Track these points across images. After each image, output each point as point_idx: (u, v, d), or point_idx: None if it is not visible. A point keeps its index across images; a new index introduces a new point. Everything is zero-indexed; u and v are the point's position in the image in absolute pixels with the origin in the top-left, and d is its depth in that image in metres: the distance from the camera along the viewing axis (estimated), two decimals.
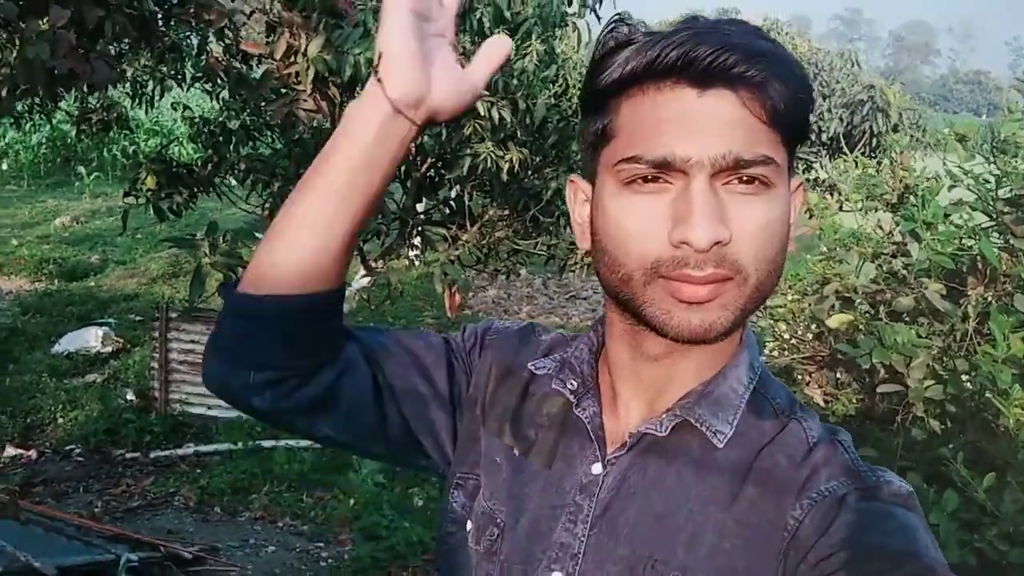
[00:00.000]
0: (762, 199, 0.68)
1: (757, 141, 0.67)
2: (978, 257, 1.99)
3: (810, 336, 2.75)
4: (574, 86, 4.34)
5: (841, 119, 7.52)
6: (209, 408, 6.19)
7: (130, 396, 6.36)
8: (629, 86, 0.69)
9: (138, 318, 8.14)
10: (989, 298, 1.97)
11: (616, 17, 0.72)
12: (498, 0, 4.28)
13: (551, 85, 4.25)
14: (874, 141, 7.20)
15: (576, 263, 5.54)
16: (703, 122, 0.66)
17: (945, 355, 2.03)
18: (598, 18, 5.10)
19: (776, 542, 0.66)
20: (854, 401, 2.74)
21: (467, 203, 5.10)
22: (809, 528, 0.65)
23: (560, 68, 4.34)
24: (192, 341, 6.12)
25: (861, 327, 2.12)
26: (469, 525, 0.83)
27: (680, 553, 0.69)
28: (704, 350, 0.73)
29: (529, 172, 4.84)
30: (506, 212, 5.42)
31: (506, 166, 4.09)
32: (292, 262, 0.76)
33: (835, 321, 2.16)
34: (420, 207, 5.86)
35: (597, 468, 0.76)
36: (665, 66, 0.66)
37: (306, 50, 3.17)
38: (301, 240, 0.77)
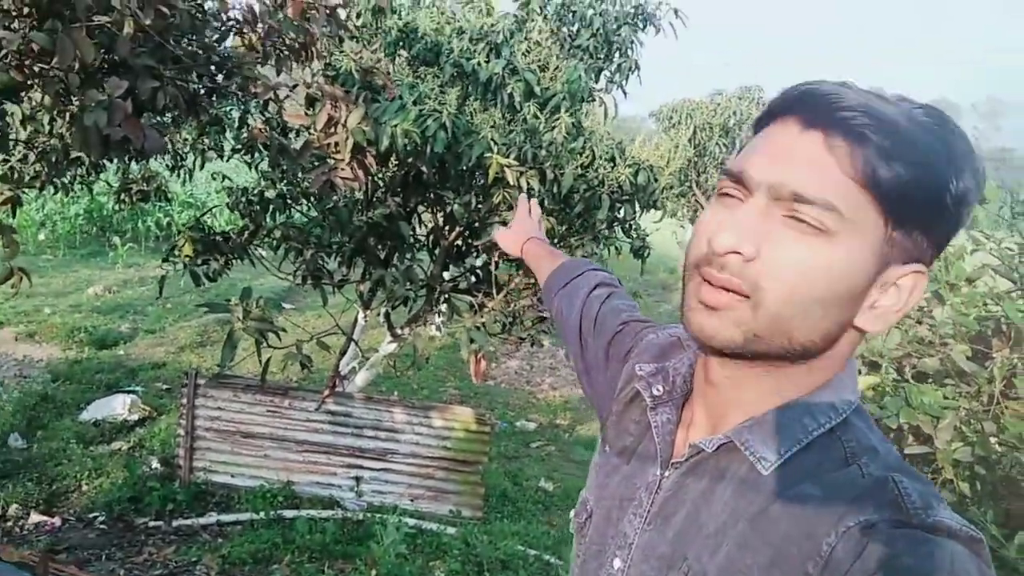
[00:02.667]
0: (812, 242, 0.68)
1: (829, 187, 0.67)
2: (1003, 320, 1.99)
3: None
4: (600, 157, 4.44)
5: None
6: (232, 476, 6.18)
7: (155, 464, 6.36)
8: (765, 119, 0.76)
9: (165, 386, 8.21)
10: (1015, 360, 1.96)
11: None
12: (528, 77, 4.44)
13: (578, 156, 4.36)
14: None
15: None
16: (786, 152, 0.70)
17: (973, 417, 2.01)
18: (624, 93, 5.27)
19: (804, 567, 0.66)
20: None
21: (493, 271, 5.16)
22: (842, 555, 0.64)
23: (587, 140, 4.45)
24: (219, 408, 6.15)
25: (888, 389, 2.11)
26: (572, 513, 0.98)
27: (705, 560, 0.73)
28: (757, 377, 0.75)
29: (556, 241, 4.91)
30: (532, 280, 5.47)
31: None
32: None
33: (862, 384, 2.15)
34: (447, 275, 5.94)
35: (659, 471, 0.83)
36: (786, 101, 0.73)
37: (346, 121, 3.29)
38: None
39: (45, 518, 5.49)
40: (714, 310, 0.71)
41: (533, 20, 5.08)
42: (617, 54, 5.27)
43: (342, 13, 3.26)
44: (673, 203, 11.58)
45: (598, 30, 5.10)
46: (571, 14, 5.18)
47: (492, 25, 4.57)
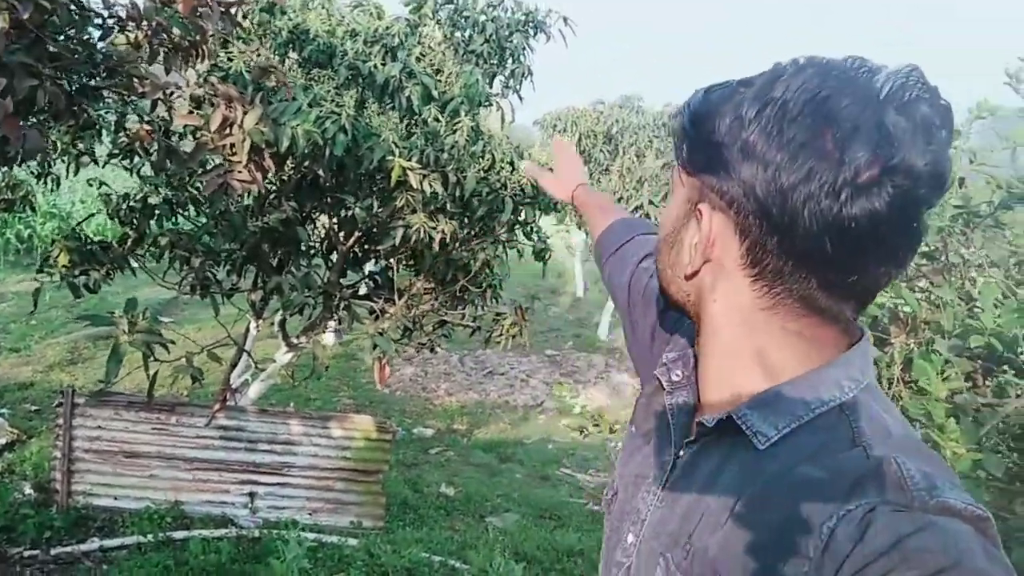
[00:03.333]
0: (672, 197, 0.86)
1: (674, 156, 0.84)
2: (900, 307, 2.15)
3: None
4: (501, 160, 4.48)
5: None
6: (116, 499, 5.82)
7: (28, 490, 5.91)
8: None
9: (35, 408, 7.65)
10: (911, 345, 2.12)
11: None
12: (426, 80, 4.42)
13: (480, 160, 4.38)
14: None
15: (501, 335, 5.57)
16: None
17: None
18: (520, 99, 5.33)
19: (802, 551, 0.65)
20: None
21: (394, 277, 5.11)
22: (843, 539, 0.63)
23: (487, 144, 4.48)
24: (99, 428, 5.78)
25: None
26: (605, 489, 1.00)
27: (706, 537, 0.74)
28: (739, 353, 0.80)
29: (457, 244, 4.91)
30: (432, 285, 5.45)
31: (438, 237, 4.15)
32: None
33: None
34: (345, 281, 5.83)
35: (673, 450, 0.85)
36: None
37: (243, 122, 3.18)
38: None
39: None
40: None
41: (426, 24, 5.07)
42: (510, 60, 5.33)
43: (235, 11, 3.15)
44: (559, 208, 11.80)
45: (491, 36, 5.14)
46: (464, 19, 5.20)
47: (387, 28, 4.53)
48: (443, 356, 12.88)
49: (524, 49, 5.53)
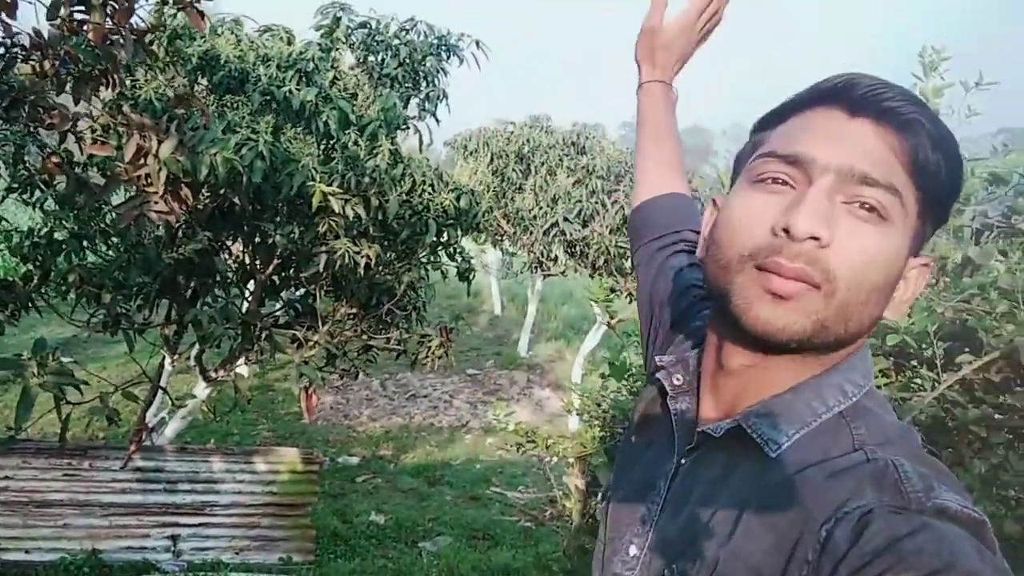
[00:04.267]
0: (876, 228, 0.69)
1: (890, 171, 0.69)
2: None
3: None
4: (422, 183, 4.49)
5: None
6: (27, 552, 5.49)
7: None
8: (791, 111, 0.75)
9: None
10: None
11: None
12: (342, 104, 4.41)
13: (401, 183, 4.38)
14: None
15: (427, 357, 5.56)
16: (843, 138, 0.70)
17: None
18: (437, 121, 5.37)
19: (803, 553, 0.65)
20: None
21: (317, 305, 5.03)
22: (840, 541, 0.63)
23: (407, 167, 4.49)
24: (6, 477, 5.45)
25: None
26: (600, 494, 0.97)
27: (712, 546, 0.72)
28: (780, 366, 0.74)
29: (381, 267, 4.89)
30: (355, 310, 5.39)
31: (363, 261, 4.12)
32: None
33: None
34: (263, 311, 5.70)
35: (675, 458, 0.83)
36: (826, 90, 0.72)
37: (158, 151, 3.09)
38: None
39: None
40: (785, 300, 0.69)
41: (339, 49, 5.05)
42: (424, 83, 5.36)
43: (149, 39, 3.07)
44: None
45: (405, 59, 5.16)
46: (377, 43, 5.20)
47: (301, 53, 4.49)
48: (364, 382, 12.68)
49: (438, 72, 5.57)
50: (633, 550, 0.83)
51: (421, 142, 4.88)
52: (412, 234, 4.55)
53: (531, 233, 10.49)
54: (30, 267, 4.49)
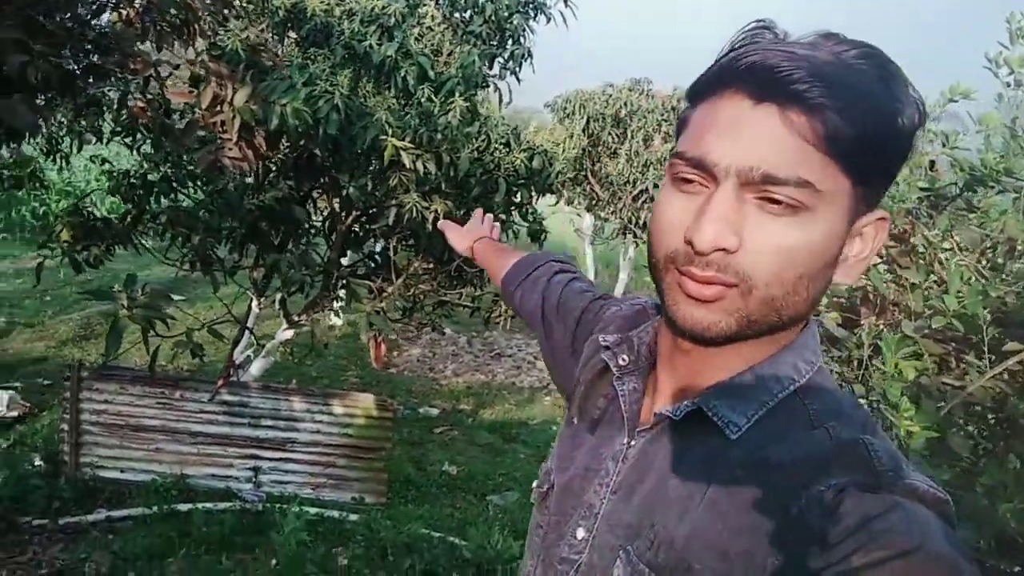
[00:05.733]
0: (790, 220, 0.67)
1: (798, 162, 0.66)
2: (870, 289, 2.16)
3: None
4: (495, 142, 4.50)
5: None
6: (122, 471, 5.95)
7: (38, 461, 6.05)
8: (706, 90, 0.72)
9: (47, 382, 7.80)
10: (881, 326, 2.14)
11: (759, 22, 0.73)
12: (422, 60, 4.45)
13: (474, 140, 4.40)
14: None
15: (500, 316, 5.62)
16: (745, 132, 0.67)
17: (843, 381, 2.17)
18: (518, 80, 5.34)
19: (773, 532, 0.66)
20: None
21: (392, 257, 5.16)
22: (812, 519, 0.63)
23: (483, 125, 4.50)
24: (105, 401, 5.90)
25: None
26: (535, 483, 0.96)
27: (671, 527, 0.71)
28: (733, 350, 0.74)
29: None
30: (430, 265, 5.50)
31: (431, 216, 4.19)
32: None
33: None
34: (345, 261, 5.89)
35: (625, 439, 0.83)
36: (731, 73, 0.69)
37: (233, 100, 3.23)
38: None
39: None
40: (703, 302, 0.70)
41: (425, 5, 5.09)
42: (510, 41, 5.34)
43: None
44: (569, 191, 11.77)
45: (490, 17, 5.14)
46: (463, 0, 5.21)
47: (384, 8, 4.55)
48: (451, 338, 12.96)
49: (524, 31, 5.52)
50: (581, 533, 0.82)
51: (500, 100, 4.88)
52: (483, 192, 4.58)
53: (620, 199, 10.35)
54: (129, 206, 4.79)
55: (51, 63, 2.93)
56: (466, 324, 12.41)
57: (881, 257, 2.48)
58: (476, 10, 5.25)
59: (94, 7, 3.14)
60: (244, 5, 4.44)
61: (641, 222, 10.62)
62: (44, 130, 5.74)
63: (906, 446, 1.88)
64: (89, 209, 4.74)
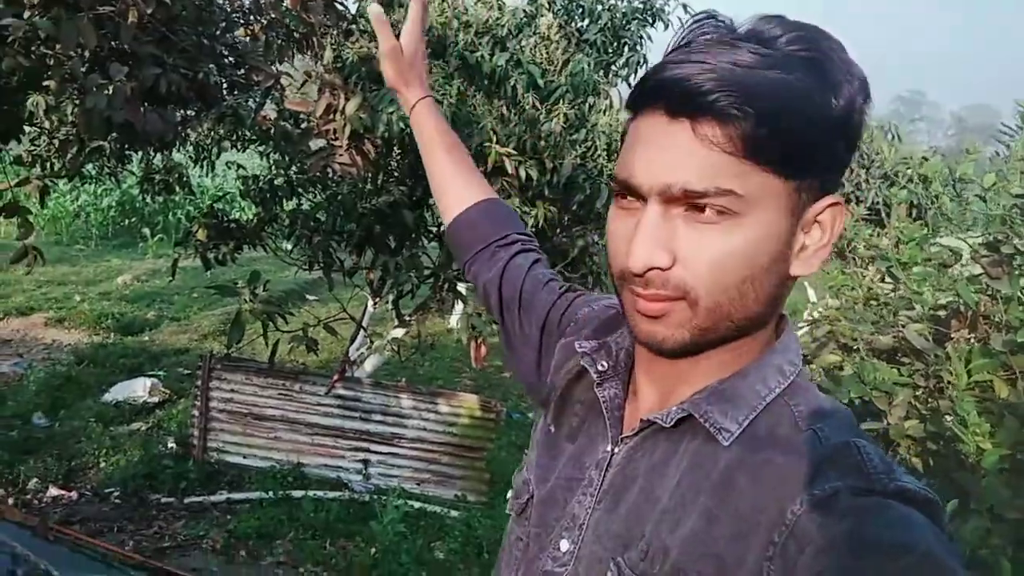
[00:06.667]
0: (720, 229, 0.67)
1: (716, 173, 0.66)
2: (961, 301, 2.05)
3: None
4: (601, 148, 4.52)
5: (880, 189, 7.65)
6: (244, 457, 6.36)
7: (171, 444, 6.57)
8: (632, 107, 0.74)
9: (186, 371, 8.44)
10: (972, 339, 2.02)
11: (703, 14, 0.73)
12: (531, 69, 4.53)
13: (579, 147, 4.44)
14: (913, 211, 7.27)
15: None
16: (662, 150, 0.68)
17: (931, 396, 2.07)
18: (629, 86, 5.34)
19: (768, 535, 0.65)
20: None
21: None
22: (807, 522, 0.64)
23: (590, 132, 4.54)
24: (232, 390, 6.33)
25: (846, 366, 2.17)
26: (510, 493, 0.94)
27: (664, 534, 0.71)
28: (710, 355, 0.75)
29: (557, 230, 5.00)
30: None
31: (530, 222, 4.26)
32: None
33: (822, 362, 2.22)
34: (457, 264, 6.05)
35: (609, 447, 0.81)
36: (647, 91, 0.70)
37: (344, 109, 3.42)
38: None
39: (62, 492, 5.70)
40: (653, 318, 0.71)
41: (543, 15, 5.18)
42: (626, 49, 5.35)
43: (340, 6, 3.39)
44: None
45: (606, 25, 5.17)
46: (580, 9, 5.26)
47: (498, 19, 4.68)
48: None
49: (640, 38, 5.52)
50: (565, 544, 0.81)
51: (610, 107, 4.90)
52: (587, 198, 4.60)
53: None
54: (258, 209, 5.14)
55: (183, 76, 3.22)
56: None
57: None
58: (592, 18, 5.29)
59: (224, 23, 3.42)
60: (367, 18, 4.68)
61: None
62: (191, 138, 6.26)
63: (975, 464, 1.77)
64: (223, 211, 5.12)
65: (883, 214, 7.39)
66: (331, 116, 3.49)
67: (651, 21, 5.63)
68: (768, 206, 0.68)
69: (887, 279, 2.26)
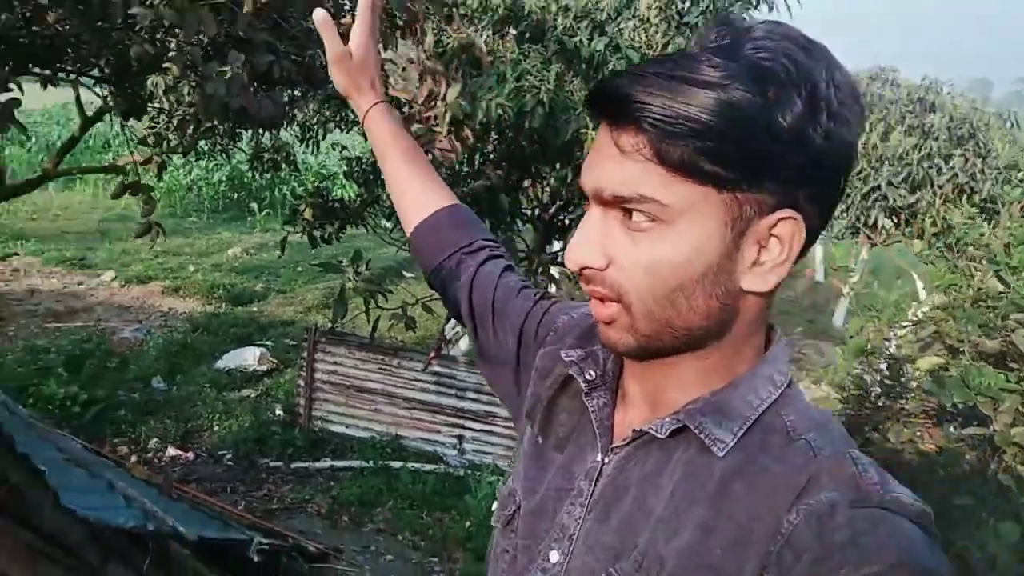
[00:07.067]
0: (650, 236, 0.68)
1: (639, 181, 0.66)
2: None
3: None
4: None
5: (996, 180, 7.18)
6: (347, 427, 6.65)
7: (278, 411, 6.93)
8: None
9: (292, 342, 8.84)
10: None
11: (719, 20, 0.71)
12: (630, 54, 4.51)
13: None
14: None
15: None
16: (599, 154, 0.70)
17: None
18: None
19: (765, 545, 0.66)
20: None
21: None
22: (804, 533, 0.64)
23: None
24: (335, 363, 6.62)
25: (950, 370, 2.10)
26: (495, 505, 0.92)
27: (659, 545, 0.71)
28: (690, 364, 0.75)
29: None
30: None
31: None
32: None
33: (926, 363, 2.15)
34: (553, 249, 6.10)
35: (599, 456, 0.80)
36: (592, 100, 0.71)
37: (445, 95, 3.50)
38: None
39: (180, 452, 6.12)
40: (605, 324, 0.73)
41: None
42: None
43: None
44: None
45: (708, 7, 5.07)
46: None
47: (596, 3, 4.66)
48: None
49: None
50: (555, 556, 0.80)
51: None
52: None
53: (849, 196, 9.68)
54: (360, 190, 5.33)
55: (294, 61, 3.37)
56: None
57: None
58: (693, 1, 5.20)
59: (332, 10, 3.55)
60: (467, 4, 4.75)
61: (871, 222, 9.86)
62: (298, 119, 6.53)
63: None
64: (327, 190, 5.33)
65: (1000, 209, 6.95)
66: (432, 103, 3.58)
67: (755, 3, 5.48)
68: (699, 216, 0.67)
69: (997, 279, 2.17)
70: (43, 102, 15.60)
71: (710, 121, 0.63)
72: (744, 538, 0.67)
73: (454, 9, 4.56)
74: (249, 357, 8.02)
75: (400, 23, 3.57)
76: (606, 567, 0.73)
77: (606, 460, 0.79)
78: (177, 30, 2.73)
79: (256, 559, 3.21)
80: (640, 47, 4.70)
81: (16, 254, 11.22)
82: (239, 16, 2.88)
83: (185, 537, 2.58)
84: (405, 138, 1.17)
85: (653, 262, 0.68)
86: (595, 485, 0.78)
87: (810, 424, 0.72)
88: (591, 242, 0.70)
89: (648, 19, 5.17)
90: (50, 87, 4.18)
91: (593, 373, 0.83)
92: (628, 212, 0.68)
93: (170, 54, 3.02)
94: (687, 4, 5.35)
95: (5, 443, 2.41)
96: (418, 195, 1.14)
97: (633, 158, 0.66)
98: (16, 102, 2.58)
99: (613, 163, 0.68)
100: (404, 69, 4.44)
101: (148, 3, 2.61)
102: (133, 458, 5.83)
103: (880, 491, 0.64)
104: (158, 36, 2.82)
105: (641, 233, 0.68)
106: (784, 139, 0.65)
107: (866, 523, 0.62)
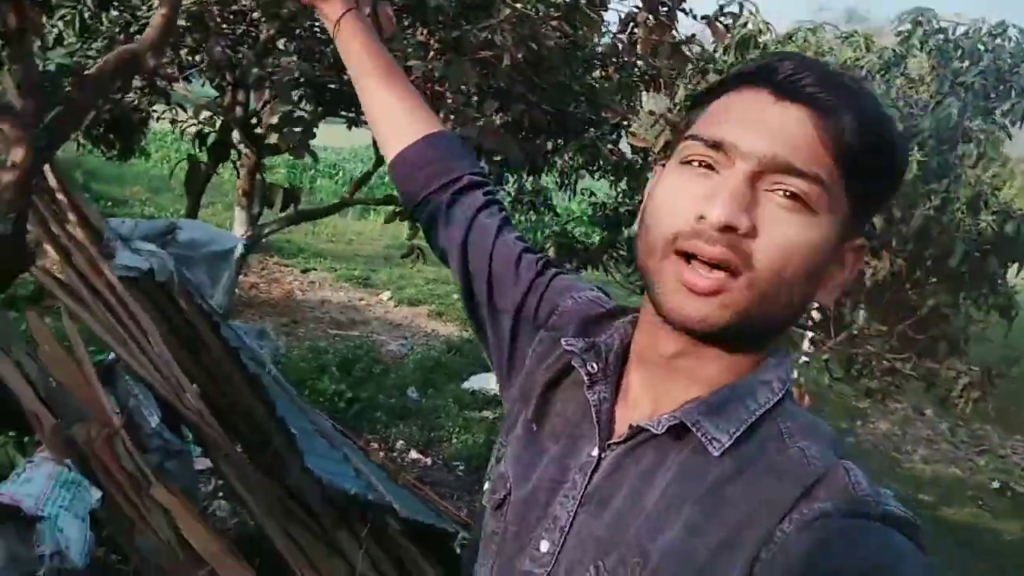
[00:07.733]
0: (800, 217, 0.67)
1: (814, 160, 0.67)
2: None
3: None
4: (964, 201, 4.15)
5: None
6: None
7: None
8: (722, 89, 0.74)
9: None
10: None
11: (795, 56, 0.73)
12: (889, 112, 4.35)
13: (935, 197, 4.13)
14: None
15: (960, 396, 5.10)
16: (767, 123, 0.68)
17: None
18: (1009, 136, 4.79)
19: (754, 551, 0.66)
20: None
21: (831, 311, 5.07)
22: (796, 541, 0.64)
23: (952, 183, 4.19)
24: None
25: None
26: (487, 485, 0.90)
27: (646, 543, 0.70)
28: (715, 358, 0.74)
29: (906, 285, 4.67)
30: (884, 328, 5.23)
31: (868, 273, 4.07)
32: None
33: None
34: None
35: (595, 451, 0.79)
36: (750, 72, 0.71)
37: None
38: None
39: (420, 456, 6.74)
40: (700, 295, 0.68)
41: (914, 56, 4.91)
42: (1013, 93, 4.81)
43: (687, 51, 3.64)
44: None
45: (988, 67, 4.72)
46: (959, 51, 4.86)
47: (857, 59, 4.55)
48: (930, 420, 11.64)
49: None
50: (545, 545, 0.79)
51: (980, 157, 4.45)
52: (942, 254, 4.25)
53: None
54: (603, 233, 5.61)
55: (544, 111, 3.73)
56: (947, 410, 11.04)
57: None
58: (972, 60, 4.88)
59: (585, 65, 3.87)
60: (723, 60, 4.86)
61: None
62: (557, 166, 6.99)
63: None
64: (571, 232, 5.67)
65: None
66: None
67: None
68: (835, 216, 0.69)
69: None
70: (351, 142, 17.93)
71: (880, 132, 0.68)
72: (733, 542, 0.67)
73: (709, 64, 4.72)
74: (491, 382, 8.59)
75: (647, 77, 3.81)
76: (594, 560, 0.73)
77: (603, 455, 0.78)
78: (444, 80, 3.20)
79: (459, 552, 3.47)
80: (904, 106, 4.50)
81: (315, 269, 13.02)
82: (498, 69, 3.30)
83: (398, 513, 2.92)
84: (383, 54, 1.08)
85: (795, 243, 0.67)
86: (590, 479, 0.78)
87: (806, 432, 0.72)
88: (741, 204, 0.67)
89: (921, 78, 4.92)
90: (355, 128, 4.99)
91: (595, 366, 0.81)
92: (780, 189, 0.67)
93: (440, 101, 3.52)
94: (965, 64, 5.02)
95: (271, 409, 2.94)
96: (399, 119, 1.05)
97: (811, 137, 0.67)
98: (311, 134, 3.19)
99: (790, 136, 0.67)
100: (652, 122, 4.67)
101: (421, 56, 3.11)
102: (380, 454, 6.52)
103: (872, 503, 0.66)
104: (429, 86, 3.32)
105: (790, 213, 0.67)
106: (903, 171, 0.73)
107: (860, 534, 0.63)
